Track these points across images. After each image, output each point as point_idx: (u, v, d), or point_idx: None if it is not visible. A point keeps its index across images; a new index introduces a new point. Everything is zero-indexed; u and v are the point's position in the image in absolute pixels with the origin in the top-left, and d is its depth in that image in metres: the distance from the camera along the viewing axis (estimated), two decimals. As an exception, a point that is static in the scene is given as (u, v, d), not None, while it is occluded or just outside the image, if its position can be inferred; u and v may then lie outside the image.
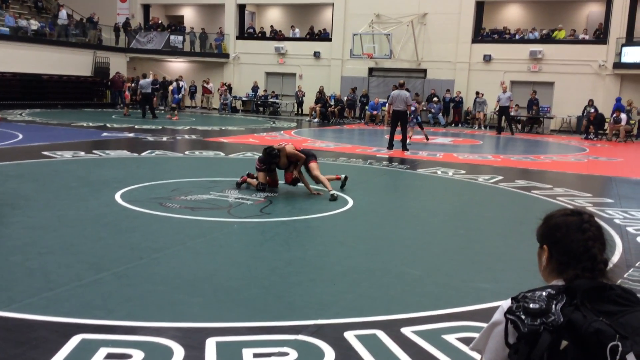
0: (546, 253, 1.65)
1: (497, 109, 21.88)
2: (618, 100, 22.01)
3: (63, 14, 27.66)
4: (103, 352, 3.13)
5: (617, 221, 7.03)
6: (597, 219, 1.63)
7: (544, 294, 1.50)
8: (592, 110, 22.01)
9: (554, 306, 1.46)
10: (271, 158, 7.92)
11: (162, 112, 23.95)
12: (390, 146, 14.41)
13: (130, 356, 3.11)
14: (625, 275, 4.82)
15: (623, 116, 20.85)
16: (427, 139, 16.89)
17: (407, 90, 14.96)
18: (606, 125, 21.37)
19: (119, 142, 13.47)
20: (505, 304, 1.57)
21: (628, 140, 20.71)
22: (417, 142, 16.30)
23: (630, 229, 6.63)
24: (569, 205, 7.87)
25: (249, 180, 8.23)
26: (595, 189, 9.98)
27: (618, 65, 23.14)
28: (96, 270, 4.48)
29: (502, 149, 17.06)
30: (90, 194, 7.35)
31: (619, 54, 23.11)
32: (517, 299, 1.52)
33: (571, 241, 1.58)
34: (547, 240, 1.64)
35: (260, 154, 8.12)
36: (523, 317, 1.46)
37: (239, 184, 8.24)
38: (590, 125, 21.47)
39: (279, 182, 8.34)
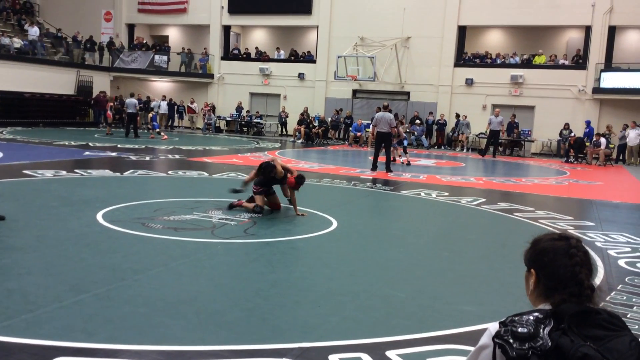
0: (533, 277, 1.66)
1: (488, 132, 22.17)
2: (588, 123, 22.52)
3: (35, 30, 27.43)
4: (83, 376, 3.07)
5: (598, 244, 7.10)
6: (584, 244, 1.65)
7: (531, 318, 1.51)
8: (572, 134, 22.38)
9: (541, 330, 1.47)
10: (269, 169, 7.88)
11: (145, 131, 23.83)
12: (374, 167, 14.47)
13: (111, 380, 3.05)
14: (607, 299, 4.85)
15: (603, 140, 21.22)
16: (409, 163, 16.89)
17: (390, 111, 15.08)
18: (586, 149, 21.71)
19: (101, 162, 13.37)
20: (493, 327, 1.57)
21: (607, 164, 21.04)
22: (399, 164, 16.40)
23: (611, 252, 6.70)
24: (550, 228, 7.94)
25: (244, 204, 8.11)
26: (576, 211, 10.09)
27: (597, 90, 23.60)
28: (77, 291, 4.40)
29: (485, 171, 17.22)
30: (72, 214, 7.26)
31: (598, 79, 23.59)
32: (505, 323, 1.52)
33: (558, 266, 1.59)
34: (535, 264, 1.65)
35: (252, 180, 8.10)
36: (511, 341, 1.47)
37: (233, 205, 8.13)
38: (571, 148, 21.81)
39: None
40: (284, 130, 28.10)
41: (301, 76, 28.40)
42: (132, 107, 21.65)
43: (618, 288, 5.21)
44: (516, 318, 1.51)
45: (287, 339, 3.71)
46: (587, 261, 1.60)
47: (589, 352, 1.40)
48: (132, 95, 22.57)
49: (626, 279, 5.54)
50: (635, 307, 4.68)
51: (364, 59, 25.58)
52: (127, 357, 3.33)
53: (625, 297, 4.94)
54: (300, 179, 8.04)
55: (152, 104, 24.33)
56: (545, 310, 1.54)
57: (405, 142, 17.70)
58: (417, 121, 25.48)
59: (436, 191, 11.23)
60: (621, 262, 6.24)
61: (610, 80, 23.34)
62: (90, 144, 17.65)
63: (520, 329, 1.47)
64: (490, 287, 5.28)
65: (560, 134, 23.53)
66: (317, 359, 3.43)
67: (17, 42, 25.51)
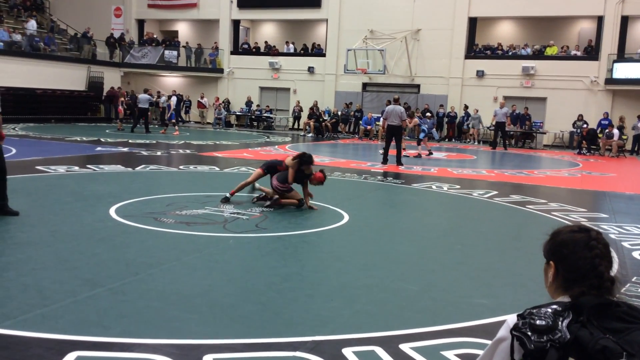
0: (552, 269, 1.64)
1: (494, 123, 22.03)
2: (605, 118, 22.23)
3: (32, 24, 27.45)
4: (99, 369, 3.09)
5: (612, 236, 7.05)
6: (604, 236, 1.63)
7: (549, 310, 1.49)
8: (585, 125, 22.18)
9: (560, 323, 1.45)
10: (309, 159, 8.07)
11: (156, 127, 23.92)
12: (385, 161, 14.44)
13: (126, 374, 3.07)
14: (622, 290, 4.81)
15: (615, 131, 21.04)
16: (420, 156, 16.85)
17: (405, 105, 15.03)
18: (599, 140, 21.53)
19: (113, 157, 13.43)
20: (511, 319, 1.56)
21: (620, 155, 20.85)
22: (413, 157, 16.36)
23: (625, 244, 6.64)
24: (564, 220, 7.89)
25: (284, 201, 7.98)
26: (589, 203, 10.01)
27: (609, 81, 23.37)
28: (91, 286, 4.44)
29: (496, 164, 17.13)
30: (85, 209, 7.31)
31: (610, 70, 23.36)
32: (523, 315, 1.51)
33: (578, 258, 1.57)
34: (554, 256, 1.64)
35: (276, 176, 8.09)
36: (529, 333, 1.46)
37: (270, 202, 8.00)
38: (583, 140, 21.63)
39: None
40: (297, 124, 28.09)
41: (311, 70, 28.35)
42: (144, 103, 21.75)
43: (633, 280, 5.17)
44: (534, 310, 1.50)
45: (301, 333, 3.71)
46: (607, 253, 1.59)
47: (608, 345, 1.39)
48: (145, 91, 22.70)
49: (641, 271, 5.49)
50: (650, 300, 4.64)
51: (374, 52, 25.50)
52: (141, 351, 3.35)
53: (640, 290, 4.90)
54: (324, 173, 8.20)
55: (162, 100, 24.39)
56: (564, 303, 1.53)
57: (422, 135, 17.61)
58: (428, 114, 25.35)
59: (447, 184, 11.19)
60: (636, 254, 6.19)
61: (623, 70, 23.10)
62: (102, 139, 17.75)
63: (538, 322, 1.46)
64: (503, 280, 5.26)
65: (574, 125, 23.30)
66: (331, 352, 3.43)
67: (24, 37, 25.64)
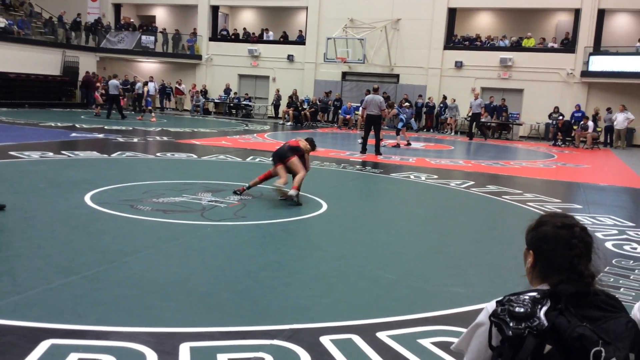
0: (532, 258, 1.65)
1: (469, 115, 22.20)
2: (578, 110, 22.53)
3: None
4: (74, 357, 3.05)
5: (590, 233, 7.14)
6: (588, 232, 1.64)
7: (528, 297, 1.50)
8: (560, 117, 22.47)
9: (538, 310, 1.47)
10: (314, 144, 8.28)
11: (132, 113, 23.61)
12: (364, 150, 14.46)
13: (101, 362, 3.04)
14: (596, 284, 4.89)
15: (590, 124, 21.35)
16: (399, 146, 16.92)
17: (384, 94, 15.05)
18: (573, 132, 21.83)
19: (89, 143, 13.23)
20: (490, 306, 1.57)
21: (595, 147, 21.18)
22: (391, 147, 16.41)
23: (598, 235, 6.75)
24: (538, 211, 7.99)
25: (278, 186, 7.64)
26: (563, 194, 10.16)
27: (585, 73, 23.66)
28: (66, 273, 4.37)
29: (473, 154, 17.27)
30: (59, 196, 7.19)
31: (587, 63, 23.64)
32: (502, 302, 1.52)
33: (557, 256, 1.58)
34: (534, 247, 1.64)
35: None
36: (508, 320, 1.47)
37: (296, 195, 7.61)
38: (558, 132, 21.91)
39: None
40: (275, 112, 27.94)
41: (290, 58, 28.20)
42: (113, 89, 21.43)
43: (605, 270, 5.26)
44: (513, 297, 1.51)
45: (278, 321, 3.71)
46: (587, 252, 1.59)
47: (585, 333, 1.40)
48: (114, 77, 22.35)
49: (613, 261, 5.59)
50: (622, 289, 4.73)
51: (354, 41, 25.44)
52: (117, 339, 3.31)
53: (612, 279, 4.99)
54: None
55: (137, 85, 24.04)
56: (543, 290, 1.54)
57: (400, 125, 17.67)
58: (407, 104, 25.40)
59: (425, 174, 11.25)
60: (608, 245, 6.30)
61: (599, 63, 23.39)
62: (77, 125, 17.46)
63: (517, 308, 1.47)
64: (479, 269, 5.31)
65: (550, 116, 23.59)
66: (308, 341, 3.43)
67: (2, 22, 25.03)
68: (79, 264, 4.61)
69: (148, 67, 30.86)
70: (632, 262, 5.62)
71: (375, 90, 14.93)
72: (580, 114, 22.23)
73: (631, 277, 5.09)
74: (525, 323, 1.44)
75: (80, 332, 3.37)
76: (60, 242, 5.24)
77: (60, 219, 6.10)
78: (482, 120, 22.81)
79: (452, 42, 26.19)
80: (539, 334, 1.43)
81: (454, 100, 24.65)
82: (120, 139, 14.23)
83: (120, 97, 22.42)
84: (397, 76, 26.67)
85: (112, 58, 30.12)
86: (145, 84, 24.34)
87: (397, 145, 16.82)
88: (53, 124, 17.24)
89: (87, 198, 7.12)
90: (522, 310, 1.46)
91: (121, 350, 3.18)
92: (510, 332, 1.45)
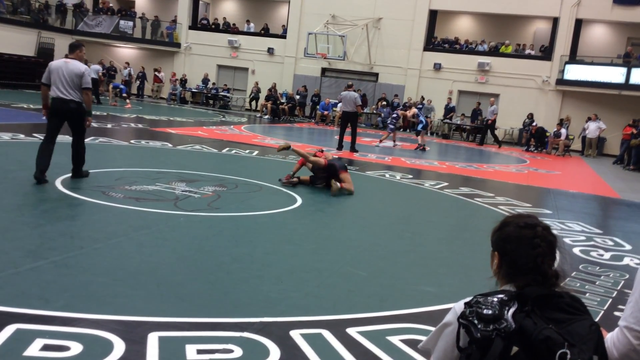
0: (497, 259, 1.68)
1: (448, 117, 22.52)
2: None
3: None
4: (39, 343, 3.01)
5: (554, 232, 7.27)
6: (551, 231, 1.67)
7: (496, 299, 1.53)
8: (534, 123, 22.81)
9: (506, 312, 1.49)
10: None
11: (107, 98, 23.27)
12: (340, 147, 14.49)
13: (67, 348, 2.99)
14: (561, 285, 4.99)
15: (563, 131, 21.72)
16: (424, 149, 17.11)
17: (354, 91, 15.11)
18: (546, 138, 22.17)
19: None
20: (458, 306, 1.59)
21: (566, 154, 21.56)
22: (376, 146, 16.47)
23: (567, 240, 6.89)
24: (509, 214, 8.09)
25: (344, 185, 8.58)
26: (534, 199, 10.32)
27: (561, 81, 24.06)
28: (33, 258, 4.30)
29: (448, 156, 17.43)
30: (29, 179, 7.05)
31: (562, 71, 24.04)
32: (470, 303, 1.54)
33: (520, 256, 1.61)
34: (499, 248, 1.67)
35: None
36: (476, 322, 1.49)
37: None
38: (532, 138, 22.24)
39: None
40: (253, 105, 27.80)
41: (270, 51, 28.09)
42: (93, 73, 21.13)
43: (572, 275, 5.37)
44: (481, 299, 1.53)
45: (249, 314, 3.70)
46: (550, 251, 1.63)
47: (551, 335, 1.43)
48: (99, 63, 22.20)
49: (580, 267, 5.71)
50: (588, 294, 4.83)
51: (335, 38, 25.45)
52: (84, 326, 3.27)
53: (578, 284, 5.09)
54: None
55: (124, 72, 23.79)
56: (510, 292, 1.57)
57: (420, 127, 17.64)
58: (383, 102, 25.54)
59: (400, 173, 11.33)
60: (576, 250, 6.42)
61: (574, 72, 23.81)
62: (50, 108, 17.12)
63: (485, 311, 1.49)
64: (450, 269, 5.37)
65: (524, 123, 23.94)
66: (278, 334, 3.44)
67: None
68: (48, 249, 4.54)
69: (125, 53, 30.41)
70: (598, 268, 5.75)
71: (350, 87, 15.00)
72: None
73: (597, 283, 5.20)
74: (493, 325, 1.47)
75: (46, 318, 3.32)
76: (29, 225, 5.15)
77: (30, 202, 5.99)
78: (458, 122, 23.06)
79: (432, 44, 26.39)
80: (506, 336, 1.46)
81: (430, 102, 24.84)
82: (94, 124, 13.99)
83: (99, 82, 22.14)
84: (377, 75, 26.77)
85: (88, 42, 29.56)
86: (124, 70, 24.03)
87: (423, 148, 16.93)
88: (25, 106, 16.89)
89: (57, 182, 7.00)
90: (490, 312, 1.48)
91: (88, 337, 3.14)
92: (479, 334, 1.47)
